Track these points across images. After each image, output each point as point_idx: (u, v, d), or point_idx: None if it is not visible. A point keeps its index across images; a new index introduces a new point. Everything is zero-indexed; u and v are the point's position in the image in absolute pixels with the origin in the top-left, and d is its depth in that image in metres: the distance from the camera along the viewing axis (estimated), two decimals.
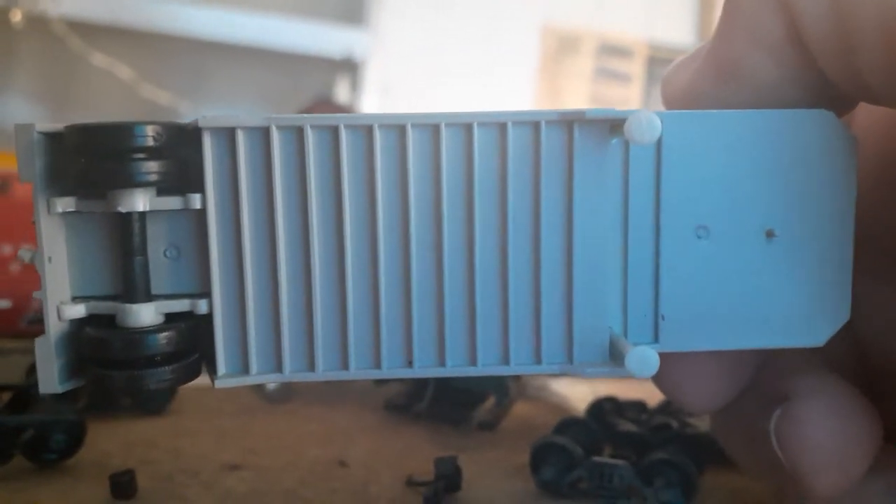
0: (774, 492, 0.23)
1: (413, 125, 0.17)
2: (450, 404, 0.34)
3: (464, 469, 0.26)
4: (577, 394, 0.38)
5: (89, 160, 0.17)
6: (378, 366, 0.18)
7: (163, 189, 0.18)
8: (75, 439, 0.26)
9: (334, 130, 0.17)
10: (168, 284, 0.18)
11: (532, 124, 0.18)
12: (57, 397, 0.28)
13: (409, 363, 0.18)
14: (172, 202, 0.18)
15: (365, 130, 0.17)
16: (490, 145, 0.18)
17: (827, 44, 0.17)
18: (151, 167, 0.17)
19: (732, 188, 0.18)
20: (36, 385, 0.29)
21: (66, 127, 0.17)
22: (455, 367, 0.18)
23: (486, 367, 0.19)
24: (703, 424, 0.31)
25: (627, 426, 0.30)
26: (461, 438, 0.32)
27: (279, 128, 0.17)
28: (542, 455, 0.27)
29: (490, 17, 1.51)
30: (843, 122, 0.19)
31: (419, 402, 0.34)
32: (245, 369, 0.18)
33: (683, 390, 0.21)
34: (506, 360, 0.19)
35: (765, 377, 0.21)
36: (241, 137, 0.17)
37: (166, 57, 1.34)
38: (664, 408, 0.33)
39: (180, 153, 0.18)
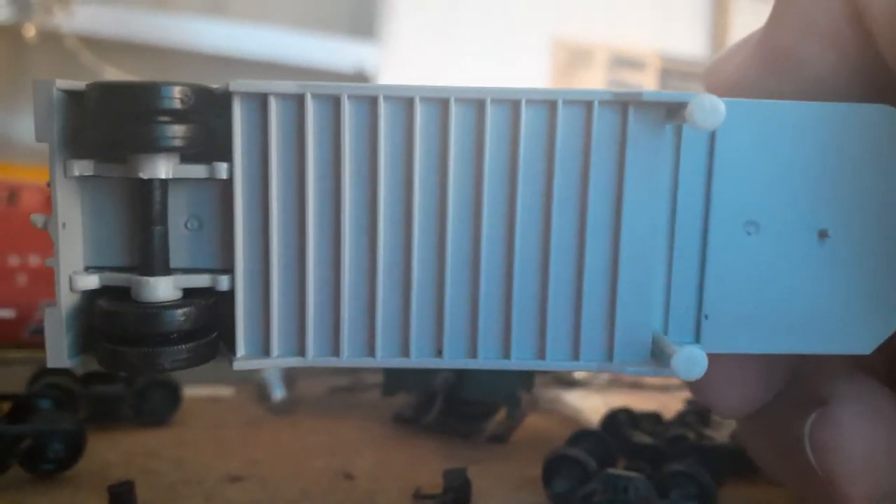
0: (800, 499, 0.22)
1: (456, 99, 0.16)
2: (460, 416, 0.33)
3: (474, 482, 0.25)
4: (591, 406, 0.37)
5: (111, 121, 0.16)
6: (406, 354, 0.17)
7: (187, 156, 0.17)
8: (74, 449, 0.25)
9: (373, 101, 0.16)
10: (187, 258, 0.17)
11: (584, 104, 0.16)
12: (57, 407, 0.28)
13: (439, 352, 0.17)
14: (197, 170, 0.16)
15: (405, 103, 0.16)
16: (538, 124, 0.17)
17: (891, 29, 0.16)
18: (177, 131, 0.16)
19: (786, 183, 0.17)
20: (37, 395, 0.28)
21: (88, 85, 0.16)
22: (487, 360, 0.17)
23: (520, 360, 0.17)
24: (719, 436, 0.30)
25: (642, 438, 0.29)
26: (471, 451, 0.31)
27: (314, 96, 0.16)
28: (554, 468, 0.26)
29: (501, 31, 1.51)
30: None
31: (428, 414, 0.33)
32: (265, 351, 0.17)
33: (716, 393, 0.20)
34: (541, 355, 0.17)
35: (800, 381, 0.20)
36: (273, 104, 0.16)
37: (177, 71, 1.35)
38: (680, 419, 0.32)
39: (207, 118, 0.16)
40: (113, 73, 1.23)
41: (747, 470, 0.27)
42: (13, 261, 0.44)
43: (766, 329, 0.18)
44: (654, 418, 0.32)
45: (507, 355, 0.17)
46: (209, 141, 0.17)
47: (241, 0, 1.42)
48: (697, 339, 0.18)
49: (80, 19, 1.19)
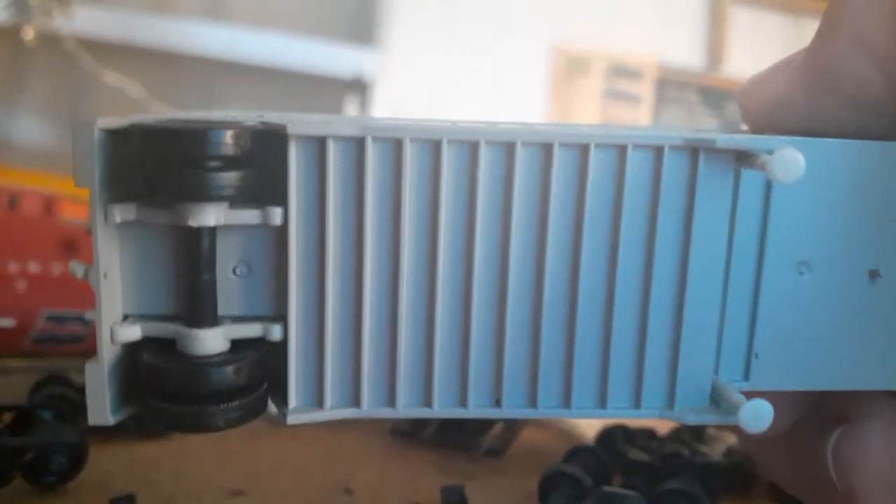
0: None
1: (522, 143, 0.16)
2: (457, 430, 0.33)
3: (471, 497, 0.25)
4: (586, 420, 0.37)
5: (157, 167, 0.15)
6: (464, 404, 0.17)
7: (239, 200, 0.16)
8: (76, 461, 0.26)
9: (436, 145, 0.16)
10: (236, 306, 0.16)
11: (654, 149, 0.16)
12: (59, 418, 0.28)
13: (497, 402, 0.17)
14: (250, 216, 0.16)
15: (469, 146, 0.16)
16: (606, 169, 0.16)
17: None
18: (229, 179, 0.15)
19: (838, 223, 0.17)
20: (39, 406, 0.29)
21: (133, 125, 0.15)
22: (546, 409, 0.17)
23: (580, 409, 0.17)
24: (714, 452, 0.30)
25: (638, 455, 0.30)
26: (468, 465, 0.31)
27: (375, 139, 0.16)
28: (550, 484, 0.26)
29: (500, 38, 1.52)
30: None
31: (426, 428, 0.33)
32: (319, 403, 0.16)
33: None
34: (602, 404, 0.17)
35: (824, 399, 0.20)
36: (332, 148, 0.15)
37: (177, 75, 1.35)
38: (675, 436, 0.32)
39: (261, 162, 0.16)
40: (112, 77, 1.23)
41: (742, 486, 0.27)
42: (13, 268, 0.44)
43: (814, 367, 0.18)
44: (649, 434, 0.33)
45: (567, 404, 0.17)
46: (263, 185, 0.16)
47: (241, 4, 1.42)
48: (746, 377, 0.18)
49: (80, 22, 1.19)
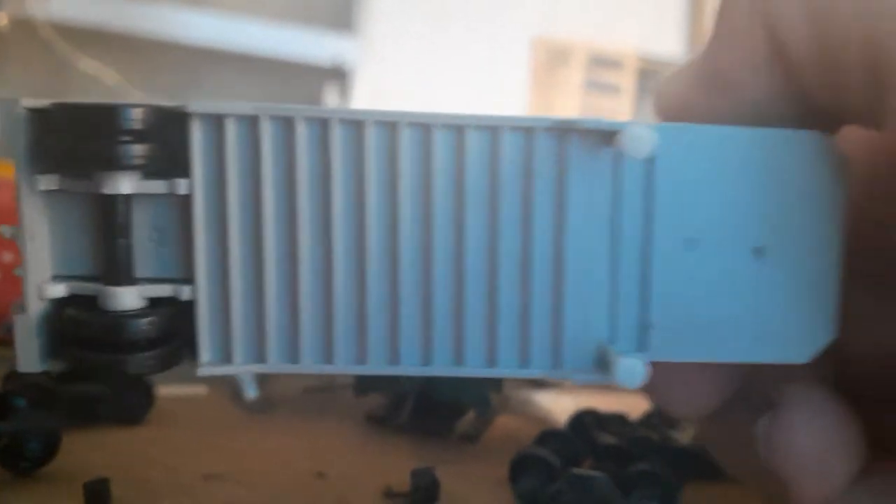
0: (765, 500, 0.23)
1: (407, 124, 0.18)
2: (431, 416, 0.34)
3: (443, 481, 0.26)
4: (561, 407, 0.38)
5: (75, 140, 0.17)
6: (363, 361, 0.18)
7: (150, 172, 0.17)
8: (50, 448, 0.26)
9: (325, 123, 0.17)
10: (151, 268, 0.18)
11: (526, 130, 0.18)
12: (32, 406, 0.28)
13: (396, 359, 0.18)
14: (157, 186, 0.17)
15: (357, 126, 0.17)
16: (483, 149, 0.18)
17: (809, 62, 0.17)
18: (138, 151, 0.17)
19: (723, 203, 0.18)
20: (13, 393, 0.29)
21: (53, 104, 0.17)
22: (441, 367, 0.18)
23: (474, 368, 0.19)
24: (684, 438, 0.31)
25: (607, 439, 0.30)
26: (442, 451, 0.32)
27: (270, 117, 0.17)
28: (521, 467, 0.27)
29: (481, 28, 1.52)
30: (833, 143, 0.19)
31: (400, 415, 0.34)
32: (228, 358, 0.18)
33: (670, 396, 0.21)
34: (493, 363, 0.19)
35: (754, 384, 0.21)
36: (229, 125, 0.17)
37: (154, 62, 1.34)
38: (646, 421, 0.33)
39: (167, 136, 0.17)
40: (88, 63, 1.22)
41: (711, 471, 0.27)
42: None
43: (709, 339, 0.19)
44: (620, 419, 0.33)
45: (460, 362, 0.19)
46: (169, 157, 0.17)
47: None
48: (644, 349, 0.19)
49: (55, 7, 1.18)
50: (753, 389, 0.21)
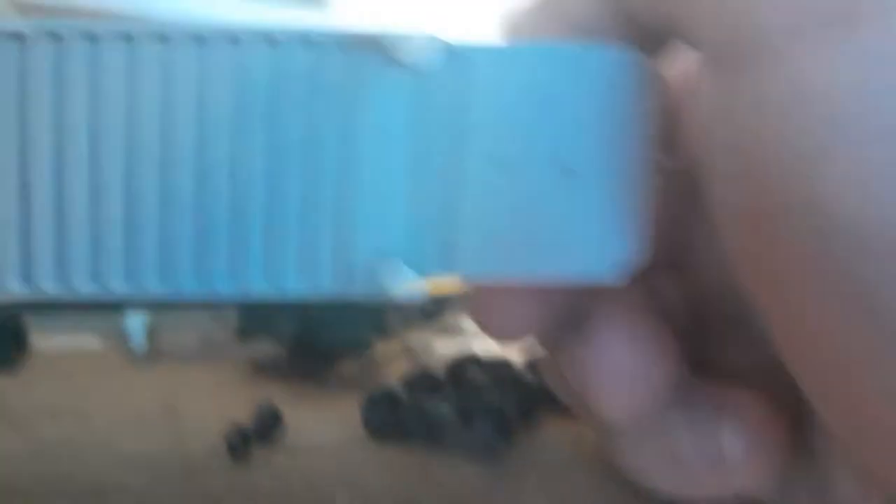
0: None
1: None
2: (309, 361, 0.34)
3: (296, 417, 0.26)
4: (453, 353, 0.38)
5: None
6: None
7: None
8: None
9: (59, 38, 0.17)
10: None
11: (312, 45, 0.17)
12: None
13: (165, 278, 0.17)
14: None
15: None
16: (263, 65, 0.17)
17: None
18: None
19: (531, 120, 0.18)
20: None
21: None
22: (224, 286, 0.18)
23: (259, 291, 0.18)
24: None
25: (475, 380, 0.30)
26: (319, 396, 0.32)
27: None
28: (373, 403, 0.27)
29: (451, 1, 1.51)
30: (645, 59, 0.18)
31: (280, 361, 0.34)
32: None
33: (489, 321, 0.21)
34: (279, 288, 0.18)
35: (577, 312, 0.21)
36: None
37: None
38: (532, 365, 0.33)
39: None
40: None
41: (557, 404, 0.27)
42: None
43: (517, 260, 0.19)
44: (504, 364, 0.33)
45: (244, 286, 0.18)
46: None
47: None
48: (451, 268, 0.19)
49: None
50: (576, 318, 0.21)
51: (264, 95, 0.18)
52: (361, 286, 0.19)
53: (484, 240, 0.19)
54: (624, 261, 0.19)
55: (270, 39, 0.17)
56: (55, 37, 0.17)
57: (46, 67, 0.17)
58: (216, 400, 0.30)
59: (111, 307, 0.34)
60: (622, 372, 0.19)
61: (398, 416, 0.26)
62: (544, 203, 0.19)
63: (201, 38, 0.17)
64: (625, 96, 0.18)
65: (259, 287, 0.18)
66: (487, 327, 0.22)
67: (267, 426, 0.25)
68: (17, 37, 0.17)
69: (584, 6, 0.18)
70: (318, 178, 0.18)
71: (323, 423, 0.28)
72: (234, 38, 0.17)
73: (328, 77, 0.18)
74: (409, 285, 0.17)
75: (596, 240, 0.19)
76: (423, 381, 0.29)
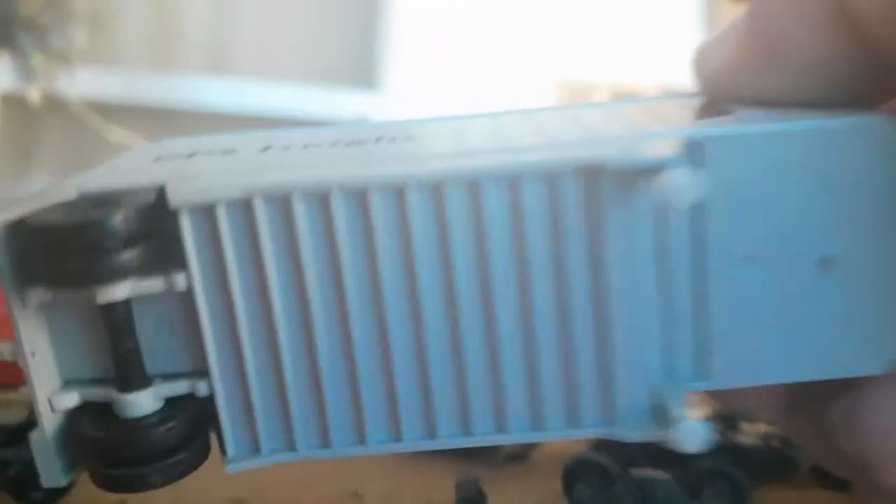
0: (858, 489, 0.20)
1: (416, 183, 0.16)
2: None
3: (490, 497, 0.24)
4: None
5: (59, 259, 0.15)
6: (398, 438, 0.17)
7: (144, 271, 0.16)
8: None
9: (324, 198, 0.16)
10: (163, 361, 0.17)
11: (549, 179, 0.16)
12: None
13: (431, 433, 0.17)
14: (155, 285, 0.16)
15: (360, 195, 0.16)
16: (502, 203, 0.16)
17: (878, 13, 0.15)
18: (127, 258, 0.15)
19: (783, 212, 0.16)
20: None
21: (28, 222, 0.15)
22: (483, 436, 0.17)
23: (518, 433, 0.17)
24: (747, 437, 0.28)
25: None
26: (487, 470, 0.29)
27: (263, 198, 0.16)
28: (575, 473, 0.25)
29: (504, 75, 1.53)
30: None
31: None
32: (256, 449, 0.17)
33: (737, 400, 0.19)
34: (538, 426, 0.17)
35: None
36: (222, 213, 0.16)
37: (182, 130, 1.36)
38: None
39: (157, 227, 0.16)
40: (120, 135, 1.25)
41: (782, 472, 0.25)
42: None
43: (776, 359, 0.17)
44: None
45: (503, 430, 0.17)
46: (166, 250, 0.16)
47: (243, 56, 1.44)
48: (705, 377, 0.17)
49: (84, 83, 1.21)
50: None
51: (509, 234, 0.16)
52: (632, 423, 0.17)
53: (738, 344, 0.16)
54: (890, 351, 0.17)
55: (510, 180, 0.16)
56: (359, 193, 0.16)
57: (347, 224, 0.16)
58: (394, 479, 0.28)
59: None
60: None
61: (609, 491, 0.24)
62: (800, 298, 0.16)
63: (437, 185, 0.16)
64: (885, 171, 0.16)
65: (517, 429, 0.17)
66: (736, 408, 0.20)
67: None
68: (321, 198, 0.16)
69: (811, 41, 0.16)
70: (570, 313, 0.16)
71: (514, 499, 0.26)
72: (473, 183, 0.16)
73: (570, 212, 0.16)
74: (692, 434, 0.15)
75: (859, 332, 0.16)
76: (612, 445, 0.27)
